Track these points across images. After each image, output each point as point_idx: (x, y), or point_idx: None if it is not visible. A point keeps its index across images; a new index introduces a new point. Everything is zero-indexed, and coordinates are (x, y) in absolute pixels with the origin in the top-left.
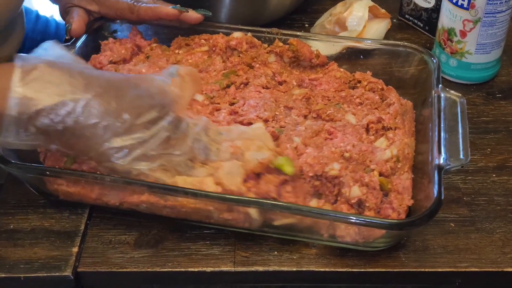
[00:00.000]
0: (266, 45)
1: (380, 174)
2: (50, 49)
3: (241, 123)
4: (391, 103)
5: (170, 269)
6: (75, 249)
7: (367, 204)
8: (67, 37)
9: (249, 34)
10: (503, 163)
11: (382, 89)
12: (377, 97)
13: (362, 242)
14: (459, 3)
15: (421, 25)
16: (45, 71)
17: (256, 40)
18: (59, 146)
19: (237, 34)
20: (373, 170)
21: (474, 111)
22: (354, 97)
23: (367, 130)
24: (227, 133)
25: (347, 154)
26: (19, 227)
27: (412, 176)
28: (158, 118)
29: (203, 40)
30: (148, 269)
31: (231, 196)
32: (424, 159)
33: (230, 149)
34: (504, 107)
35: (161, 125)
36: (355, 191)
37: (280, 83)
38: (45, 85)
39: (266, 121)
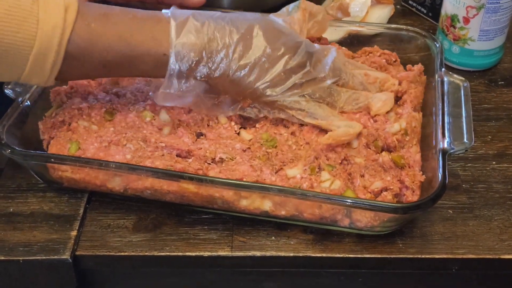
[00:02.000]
0: None
1: (387, 147)
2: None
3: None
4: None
5: (168, 253)
6: (74, 233)
7: (391, 187)
8: None
9: None
10: (504, 151)
11: (396, 61)
12: (384, 60)
13: (366, 227)
14: None
15: (425, 11)
16: (194, 22)
17: None
18: (216, 91)
19: None
20: (381, 147)
21: (475, 98)
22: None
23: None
24: (355, 64)
25: (364, 130)
26: (18, 210)
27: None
28: (295, 47)
29: None
30: (146, 253)
31: (235, 182)
32: (428, 139)
33: (365, 77)
34: (506, 94)
35: (298, 55)
36: (378, 184)
37: None
38: (198, 36)
39: None
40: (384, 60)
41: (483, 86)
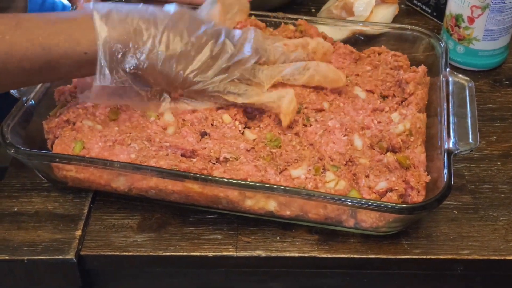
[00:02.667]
0: (271, 29)
1: (392, 147)
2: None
3: None
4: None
5: (173, 253)
6: (78, 233)
7: (396, 188)
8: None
9: (253, 17)
10: (509, 151)
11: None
12: (390, 57)
13: (371, 227)
14: None
15: (429, 10)
16: (118, 15)
17: (260, 23)
18: (147, 83)
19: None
20: (386, 148)
21: (480, 98)
22: (364, 63)
23: (382, 97)
24: (274, 37)
25: (368, 132)
26: (23, 210)
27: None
28: (216, 34)
29: None
30: (151, 253)
31: (239, 182)
32: (433, 140)
33: (285, 47)
34: (511, 95)
35: (220, 40)
36: (383, 184)
37: None
38: (124, 27)
39: None
40: (396, 63)
41: (488, 86)
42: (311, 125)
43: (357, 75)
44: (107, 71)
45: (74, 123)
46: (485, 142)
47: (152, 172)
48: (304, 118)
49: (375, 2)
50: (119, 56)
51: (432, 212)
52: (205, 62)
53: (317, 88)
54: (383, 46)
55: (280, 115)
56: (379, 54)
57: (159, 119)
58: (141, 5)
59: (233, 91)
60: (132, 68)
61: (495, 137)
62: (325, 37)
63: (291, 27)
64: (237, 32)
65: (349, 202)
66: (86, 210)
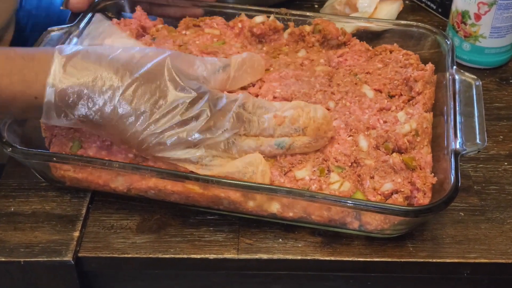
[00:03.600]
0: (288, 30)
1: (398, 148)
2: (98, 23)
3: None
4: (422, 68)
5: (173, 256)
6: (76, 234)
7: (402, 189)
8: (62, 7)
9: (265, 15)
10: None
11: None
12: (401, 56)
13: (376, 230)
14: None
15: (434, 7)
16: (82, 60)
17: (278, 23)
18: (99, 133)
19: (259, 19)
20: (391, 148)
21: (487, 96)
22: (376, 61)
23: (390, 96)
24: (268, 107)
25: (373, 132)
26: (19, 210)
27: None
28: (196, 98)
29: (214, 24)
30: (150, 255)
31: (241, 183)
32: (439, 140)
33: (273, 120)
34: None
35: (200, 104)
36: (388, 186)
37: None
38: (83, 74)
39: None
40: (401, 56)
41: (494, 84)
42: None
43: (368, 73)
44: (53, 113)
45: None
46: (491, 142)
47: (152, 173)
48: None
49: None
50: (70, 102)
51: (438, 214)
52: (170, 127)
53: (324, 87)
54: (395, 44)
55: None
56: (390, 52)
57: None
58: (127, 49)
59: (196, 161)
60: (81, 116)
61: (501, 136)
62: (344, 33)
63: (307, 28)
64: (223, 100)
65: (353, 204)
66: (84, 211)
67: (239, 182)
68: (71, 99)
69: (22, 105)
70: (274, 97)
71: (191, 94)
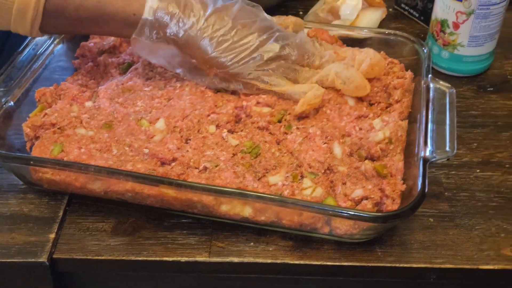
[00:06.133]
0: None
1: (370, 156)
2: None
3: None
4: (403, 76)
5: (145, 258)
6: (52, 236)
7: (372, 196)
8: None
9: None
10: (488, 159)
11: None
12: (386, 64)
13: (346, 234)
14: None
15: (417, 15)
16: None
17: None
18: (185, 53)
19: None
20: (364, 156)
21: (463, 104)
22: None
23: (370, 104)
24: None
25: (348, 139)
26: None
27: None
28: (266, 30)
29: None
30: (123, 257)
31: (213, 187)
32: (412, 147)
33: (334, 55)
34: (495, 101)
35: (266, 35)
36: (359, 192)
37: None
38: (178, 2)
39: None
40: (390, 70)
41: (472, 92)
42: (292, 132)
43: None
44: (147, 29)
45: (60, 128)
46: (465, 149)
47: (127, 177)
48: (285, 126)
49: (362, 6)
50: (164, 20)
51: (408, 220)
52: (244, 49)
53: None
54: (382, 52)
55: (302, 100)
56: None
57: (151, 126)
58: None
59: (266, 81)
60: (172, 34)
61: (475, 144)
62: (337, 40)
63: None
64: (291, 34)
65: (321, 209)
66: (61, 213)
67: (212, 187)
68: (165, 18)
69: (123, 20)
70: (258, 102)
71: (263, 24)
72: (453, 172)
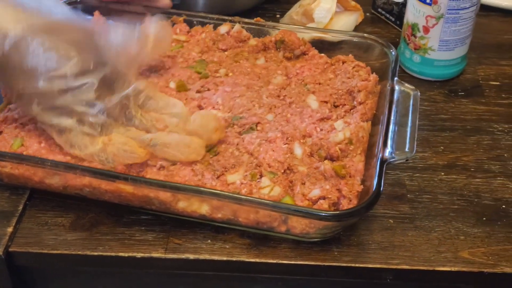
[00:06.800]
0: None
1: (330, 156)
2: None
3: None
4: (367, 78)
5: (101, 253)
6: (10, 229)
7: (330, 196)
8: None
9: (229, 24)
10: (454, 162)
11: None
12: (351, 68)
13: (301, 233)
14: None
15: (393, 19)
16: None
17: (245, 34)
18: None
19: (224, 29)
20: (324, 156)
21: (433, 108)
22: (328, 71)
23: (335, 106)
24: (159, 104)
25: (309, 140)
26: None
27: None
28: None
29: (177, 30)
30: (79, 252)
31: (167, 183)
32: (373, 148)
33: (154, 121)
34: (465, 106)
35: (89, 77)
36: (316, 192)
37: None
38: None
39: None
40: (351, 68)
41: (442, 96)
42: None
43: (319, 83)
44: None
45: (22, 124)
46: (431, 152)
47: (83, 172)
48: (241, 131)
49: (337, 9)
50: None
51: (367, 220)
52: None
53: (271, 98)
54: (350, 55)
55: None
56: (343, 63)
57: None
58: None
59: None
60: None
61: (442, 147)
62: (305, 43)
63: (270, 38)
64: (120, 82)
65: (271, 206)
66: (21, 207)
67: (166, 183)
68: None
69: None
70: (213, 108)
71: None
72: (417, 175)
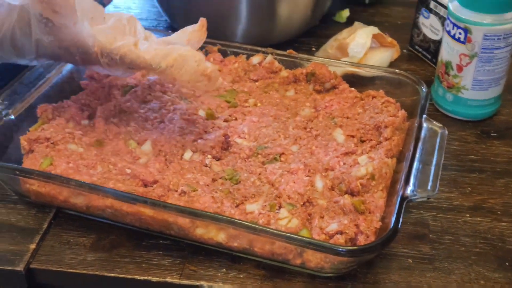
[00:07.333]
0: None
1: (351, 191)
2: None
3: (228, 142)
4: (395, 114)
5: (117, 275)
6: (33, 246)
7: (347, 231)
8: None
9: (262, 55)
10: (480, 204)
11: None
12: (380, 103)
13: (316, 267)
14: (456, 37)
15: (429, 57)
16: None
17: (277, 65)
18: None
19: (256, 59)
20: (344, 190)
21: (463, 148)
22: (357, 106)
23: (361, 141)
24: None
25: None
26: None
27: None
28: None
29: (211, 59)
30: (96, 272)
31: (187, 209)
32: (396, 185)
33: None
34: (496, 147)
35: None
36: (334, 226)
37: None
38: None
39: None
40: (380, 103)
41: (474, 136)
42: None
43: (347, 117)
44: None
45: (53, 143)
46: (458, 193)
47: (106, 194)
48: (265, 160)
49: (372, 45)
50: None
51: (386, 259)
52: None
53: (297, 129)
54: (381, 91)
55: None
56: (373, 98)
57: (138, 147)
58: None
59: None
60: None
61: (469, 188)
62: (336, 76)
63: (302, 70)
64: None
65: (285, 237)
66: (45, 225)
67: (185, 208)
68: None
69: None
70: (239, 136)
71: None
72: (441, 215)
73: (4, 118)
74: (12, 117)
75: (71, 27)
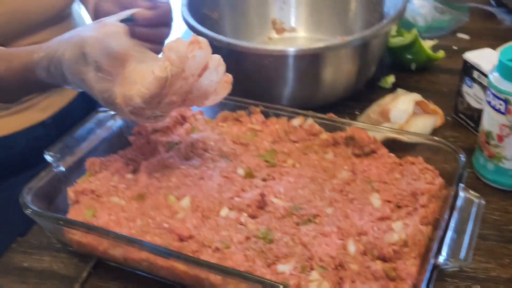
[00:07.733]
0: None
1: (383, 256)
2: None
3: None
4: (432, 182)
5: None
6: None
7: None
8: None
9: (302, 118)
10: None
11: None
12: (418, 170)
13: None
14: (497, 107)
15: (473, 125)
16: None
17: (317, 128)
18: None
19: (297, 122)
20: (376, 256)
21: (504, 218)
22: (396, 171)
23: (398, 207)
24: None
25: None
26: (31, 266)
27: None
28: None
29: (253, 120)
30: None
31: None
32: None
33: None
34: None
35: None
36: None
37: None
38: None
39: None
40: (422, 175)
41: None
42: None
43: (385, 182)
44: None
45: (98, 195)
46: (495, 264)
47: (142, 247)
48: (299, 221)
49: (414, 111)
50: None
51: None
52: None
53: (333, 192)
54: (420, 157)
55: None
56: (412, 164)
57: (177, 203)
58: None
59: None
60: None
61: (508, 260)
62: (375, 141)
63: (341, 134)
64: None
65: None
66: (85, 274)
67: (215, 265)
68: None
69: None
70: (275, 196)
71: None
72: (477, 286)
73: (55, 169)
74: (63, 168)
75: None
